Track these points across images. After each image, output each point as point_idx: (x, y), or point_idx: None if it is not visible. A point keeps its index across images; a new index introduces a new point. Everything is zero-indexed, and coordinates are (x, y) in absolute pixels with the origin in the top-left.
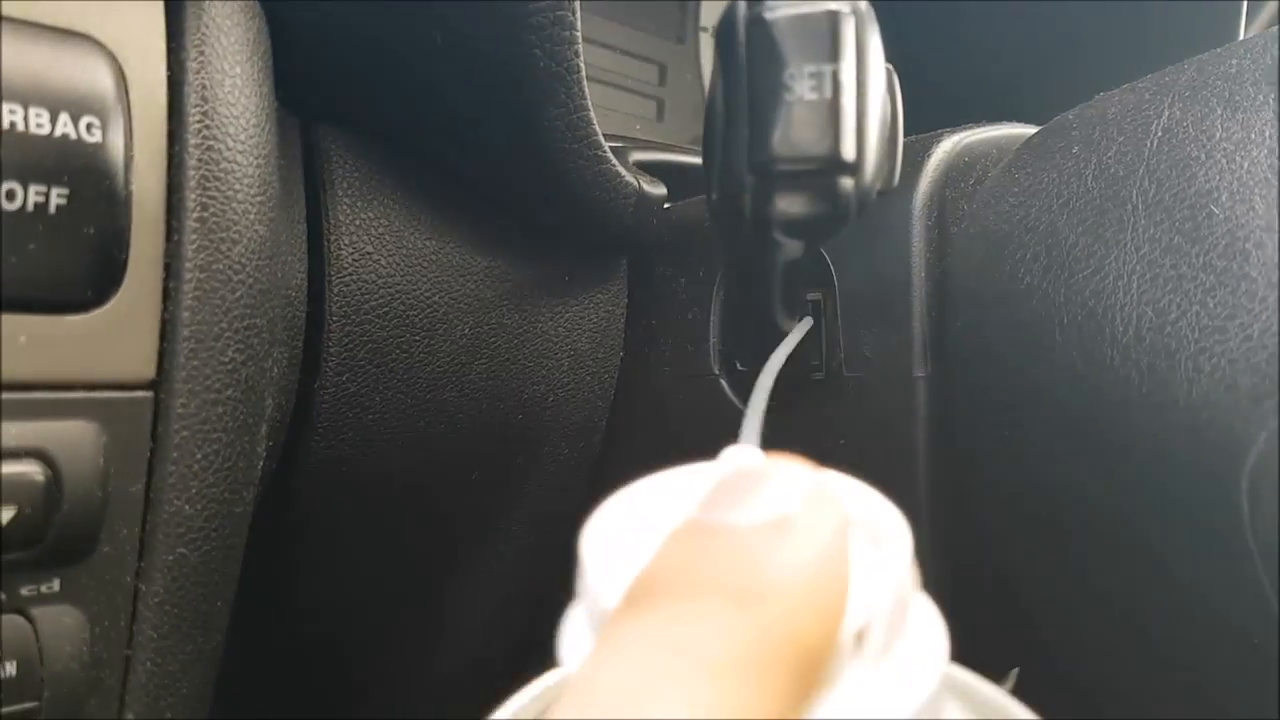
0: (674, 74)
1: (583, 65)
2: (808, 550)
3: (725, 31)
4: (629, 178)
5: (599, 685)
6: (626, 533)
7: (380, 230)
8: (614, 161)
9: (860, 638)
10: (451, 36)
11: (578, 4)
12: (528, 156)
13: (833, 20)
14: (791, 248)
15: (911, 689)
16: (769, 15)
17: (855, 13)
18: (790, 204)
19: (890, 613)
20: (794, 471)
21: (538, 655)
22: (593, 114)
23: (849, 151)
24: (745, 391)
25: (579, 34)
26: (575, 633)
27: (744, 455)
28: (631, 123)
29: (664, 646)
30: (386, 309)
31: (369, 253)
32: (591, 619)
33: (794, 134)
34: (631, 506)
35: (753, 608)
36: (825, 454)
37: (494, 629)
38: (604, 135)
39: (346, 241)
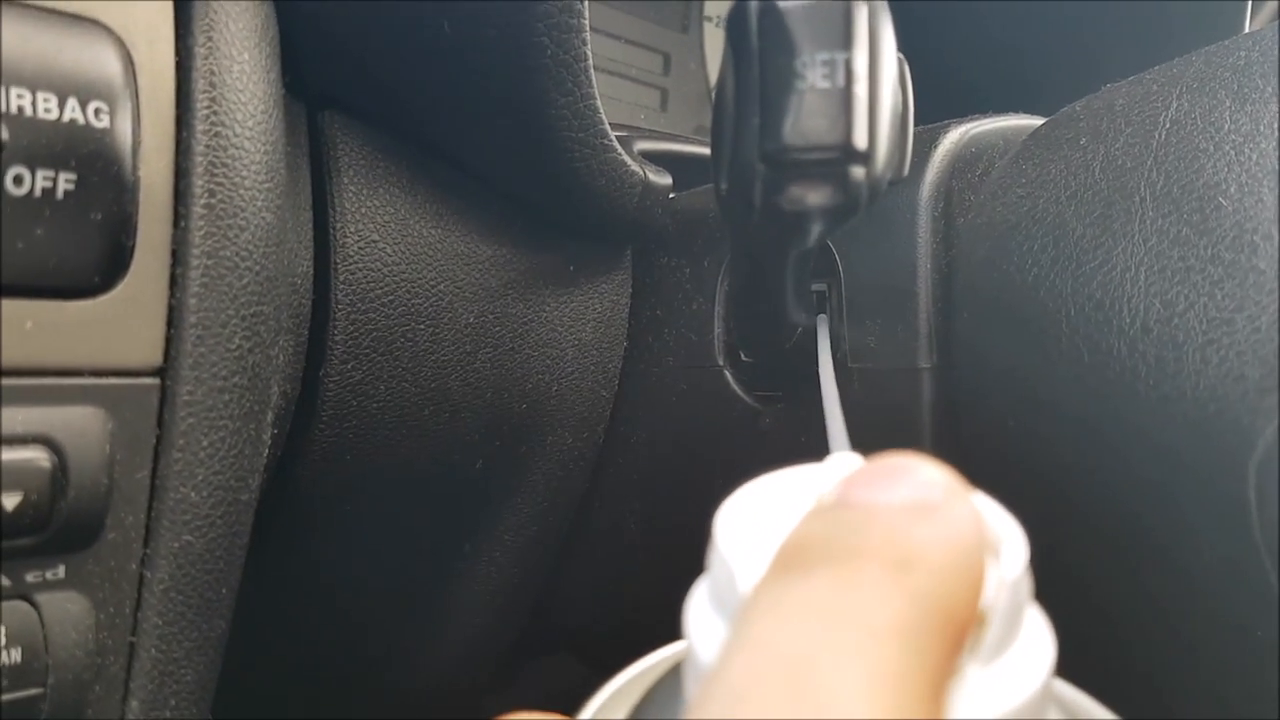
0: (678, 63)
1: (590, 54)
2: (953, 530)
3: (737, 19)
4: (634, 166)
5: (766, 644)
6: (757, 520)
7: (386, 218)
8: (620, 150)
9: (979, 628)
10: (459, 23)
11: None
12: (533, 144)
13: (846, 8)
14: (802, 238)
15: (1017, 691)
16: (782, 3)
17: (869, 1)
18: (801, 193)
19: (1006, 617)
20: (930, 467)
21: (538, 645)
22: (599, 103)
23: (861, 140)
24: (748, 383)
25: (587, 22)
26: (703, 610)
27: (849, 459)
28: (635, 112)
29: (827, 609)
30: (392, 297)
31: (374, 240)
32: (721, 602)
33: (806, 122)
34: (759, 497)
35: (909, 575)
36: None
37: (495, 618)
38: (609, 124)
39: (352, 229)
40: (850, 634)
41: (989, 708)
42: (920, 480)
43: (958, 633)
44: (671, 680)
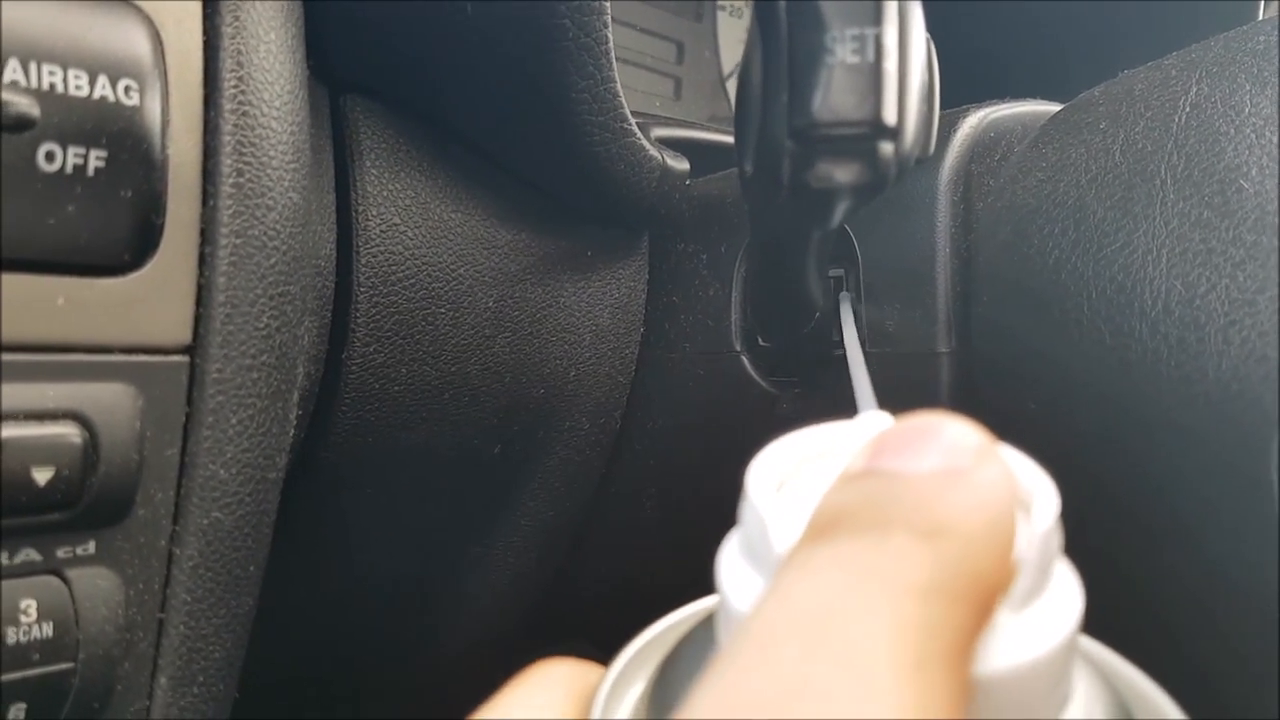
0: (691, 52)
1: (611, 38)
2: (983, 497)
3: None
4: (653, 152)
5: (799, 602)
6: (788, 474)
7: (407, 202)
8: (639, 135)
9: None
10: (482, 6)
11: None
12: (554, 129)
13: None
14: (827, 216)
15: (1045, 638)
16: None
17: None
18: (830, 169)
19: (1036, 568)
20: (958, 428)
21: (553, 628)
22: (619, 87)
23: (890, 115)
24: (765, 368)
25: (608, 5)
26: (735, 561)
27: (879, 417)
28: (649, 101)
29: (855, 568)
30: (413, 281)
31: (396, 224)
32: (754, 554)
33: (835, 98)
34: (790, 452)
35: (937, 542)
36: None
37: (509, 602)
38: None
39: (374, 213)
40: (876, 590)
41: (1018, 653)
42: (948, 443)
43: (987, 596)
44: (704, 631)
